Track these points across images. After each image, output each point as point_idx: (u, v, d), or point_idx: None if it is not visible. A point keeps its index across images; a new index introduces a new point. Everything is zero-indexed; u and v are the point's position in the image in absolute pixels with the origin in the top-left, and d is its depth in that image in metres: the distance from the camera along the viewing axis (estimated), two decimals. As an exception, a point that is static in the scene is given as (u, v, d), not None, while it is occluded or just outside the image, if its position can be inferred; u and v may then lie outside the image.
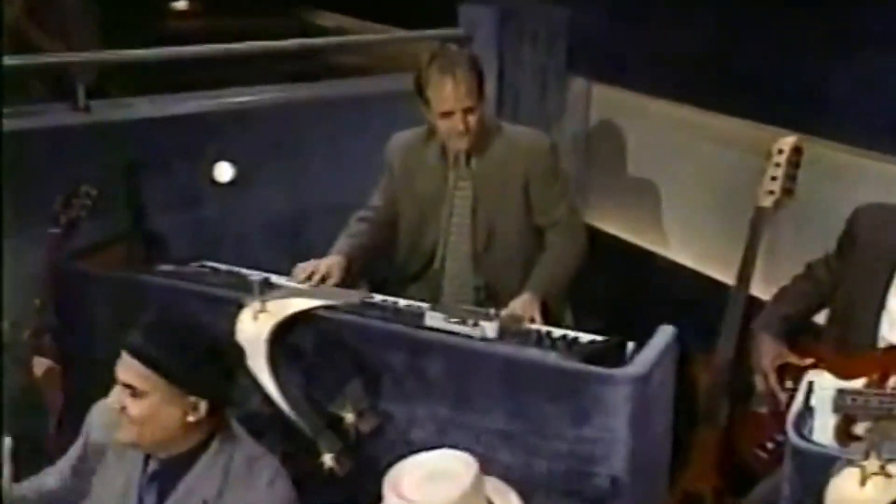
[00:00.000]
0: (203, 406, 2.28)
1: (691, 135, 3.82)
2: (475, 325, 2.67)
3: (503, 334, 2.69)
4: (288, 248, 3.87)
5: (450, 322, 2.68)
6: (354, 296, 2.79)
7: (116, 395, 2.27)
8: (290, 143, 3.93)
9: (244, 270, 3.20)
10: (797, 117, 3.27)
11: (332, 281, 3.12)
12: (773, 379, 2.88)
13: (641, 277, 4.02)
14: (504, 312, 2.97)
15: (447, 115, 3.11)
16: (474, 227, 3.30)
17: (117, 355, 2.27)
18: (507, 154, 3.25)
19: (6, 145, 3.13)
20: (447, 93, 3.07)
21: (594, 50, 4.14)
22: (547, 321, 3.00)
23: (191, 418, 2.28)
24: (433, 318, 2.71)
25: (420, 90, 3.14)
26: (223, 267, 3.25)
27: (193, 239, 3.71)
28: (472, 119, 3.12)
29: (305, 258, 3.20)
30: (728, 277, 3.44)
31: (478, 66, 3.16)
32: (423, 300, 3.03)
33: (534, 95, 4.22)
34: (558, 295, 3.25)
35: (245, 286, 2.89)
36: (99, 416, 2.43)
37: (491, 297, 3.33)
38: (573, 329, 3.22)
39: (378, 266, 3.43)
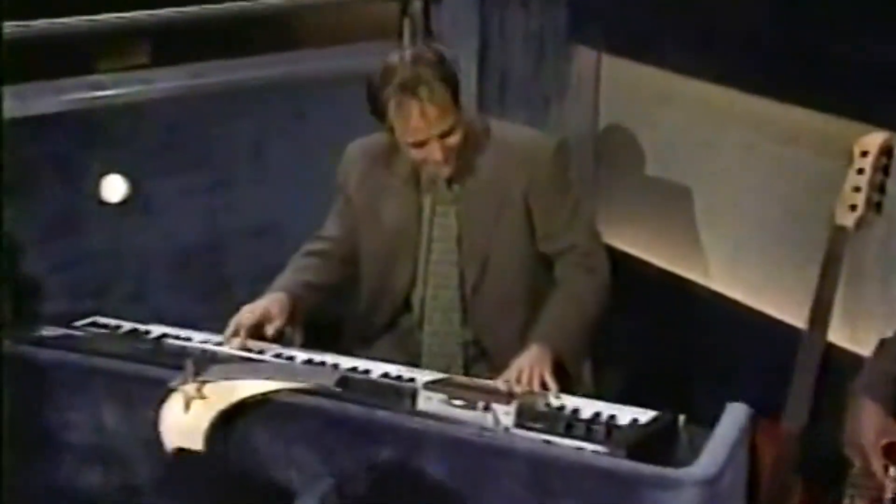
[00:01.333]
0: None
1: (743, 128, 3.83)
2: (486, 408, 2.71)
3: (521, 418, 2.74)
4: (201, 287, 3.90)
5: (452, 405, 2.73)
6: (327, 376, 2.81)
7: None
8: (201, 149, 3.94)
9: (156, 329, 3.22)
10: (886, 109, 3.30)
11: (271, 326, 3.17)
12: (878, 462, 2.93)
13: (675, 314, 4.04)
14: (505, 377, 3.03)
15: (419, 144, 3.16)
16: (461, 262, 3.36)
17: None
18: (501, 162, 3.30)
19: None
20: (414, 122, 3.10)
21: (605, 11, 4.15)
22: (561, 381, 3.06)
23: None
24: (428, 401, 2.74)
25: (375, 109, 3.15)
26: (126, 325, 3.26)
27: (75, 280, 3.71)
28: (451, 141, 3.17)
29: (224, 300, 3.22)
30: (795, 317, 3.52)
31: (449, 71, 3.18)
32: (401, 362, 3.10)
33: (526, 73, 4.25)
34: (577, 351, 3.30)
35: (162, 355, 2.89)
36: None
37: (484, 354, 3.41)
38: (593, 391, 3.30)
39: (319, 313, 3.46)
